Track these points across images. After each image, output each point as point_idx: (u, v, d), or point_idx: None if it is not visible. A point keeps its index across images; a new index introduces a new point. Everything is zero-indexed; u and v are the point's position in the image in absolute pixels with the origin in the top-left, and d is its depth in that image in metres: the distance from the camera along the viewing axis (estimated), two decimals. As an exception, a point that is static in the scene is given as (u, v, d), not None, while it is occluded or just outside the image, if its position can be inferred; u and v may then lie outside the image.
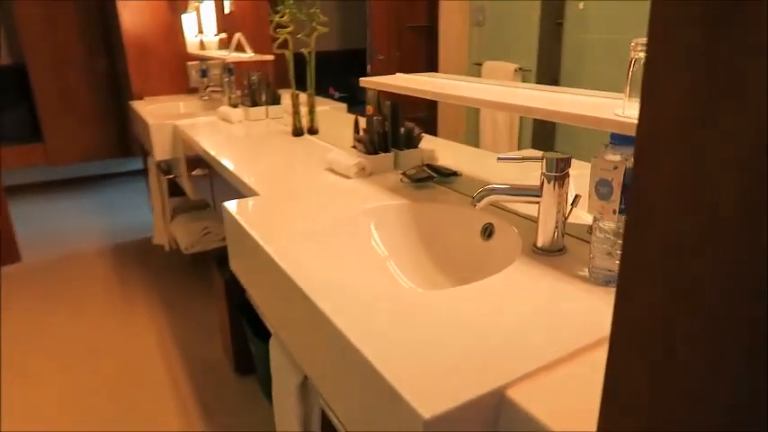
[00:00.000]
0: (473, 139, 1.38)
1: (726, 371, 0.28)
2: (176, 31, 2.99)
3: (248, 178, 1.32)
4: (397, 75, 1.28)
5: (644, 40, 0.66)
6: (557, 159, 0.79)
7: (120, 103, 4.24)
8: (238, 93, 2.43)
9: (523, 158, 0.83)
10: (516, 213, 1.00)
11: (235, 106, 2.25)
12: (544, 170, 0.80)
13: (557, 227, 0.82)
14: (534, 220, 0.95)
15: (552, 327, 0.63)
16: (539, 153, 0.81)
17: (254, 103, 2.19)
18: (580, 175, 0.82)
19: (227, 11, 2.76)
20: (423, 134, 1.36)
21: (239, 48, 2.41)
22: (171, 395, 1.91)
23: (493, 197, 0.84)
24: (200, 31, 2.98)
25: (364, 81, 1.24)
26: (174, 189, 2.59)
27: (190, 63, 2.99)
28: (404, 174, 1.21)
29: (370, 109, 1.36)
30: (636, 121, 0.63)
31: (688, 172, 0.28)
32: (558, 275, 0.76)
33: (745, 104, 0.25)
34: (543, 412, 0.51)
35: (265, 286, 0.96)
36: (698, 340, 0.29)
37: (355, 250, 1.00)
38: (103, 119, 4.24)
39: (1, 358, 2.14)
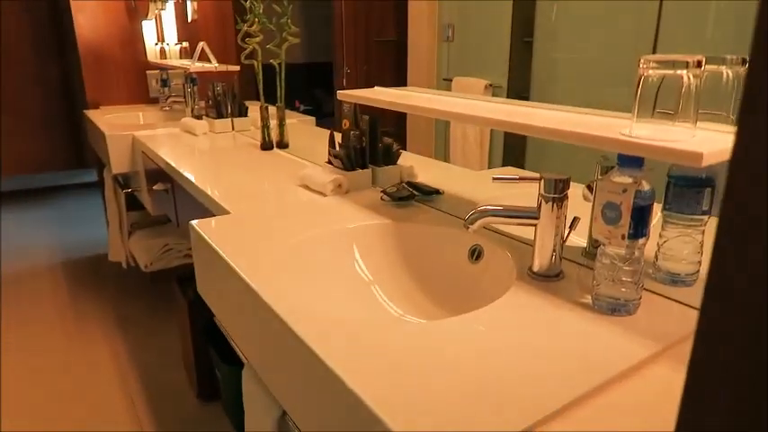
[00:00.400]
0: (442, 154, 1.35)
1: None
2: (135, 39, 2.87)
3: (217, 194, 1.25)
4: (376, 88, 1.23)
5: (655, 56, 0.63)
6: (555, 180, 0.75)
7: (74, 113, 4.05)
8: (202, 104, 2.34)
9: (520, 179, 0.79)
10: (505, 234, 0.95)
11: (199, 117, 2.16)
12: (542, 191, 0.76)
13: (554, 250, 0.78)
14: (525, 242, 0.91)
15: (564, 361, 0.59)
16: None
17: (220, 115, 2.10)
18: None
19: (189, 19, 2.66)
20: (401, 150, 1.31)
21: (203, 57, 2.32)
22: (129, 422, 1.79)
23: (487, 219, 0.79)
24: (161, 39, 2.87)
25: (342, 94, 1.18)
26: (132, 203, 2.47)
27: (150, 72, 2.88)
28: (384, 191, 1.16)
29: (346, 123, 1.30)
30: (645, 142, 0.59)
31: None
32: (559, 303, 0.72)
33: None
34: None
35: (239, 314, 0.89)
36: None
37: (338, 274, 0.94)
38: (56, 129, 4.05)
39: (-62, 387, 1.97)
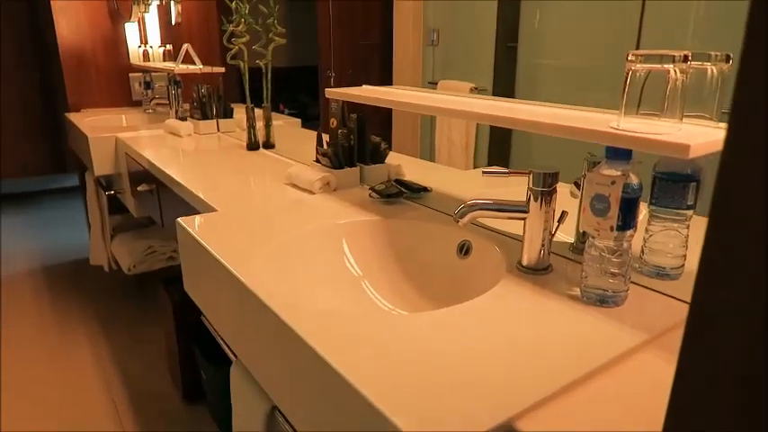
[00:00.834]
0: (427, 155, 1.37)
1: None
2: (118, 41, 2.84)
3: (203, 193, 1.24)
4: (364, 87, 1.24)
5: (640, 51, 0.65)
6: (544, 174, 0.76)
7: (55, 117, 4.00)
8: (186, 106, 2.32)
9: (509, 173, 0.79)
10: (493, 230, 0.96)
11: (183, 119, 2.14)
12: (531, 185, 0.77)
13: (543, 244, 0.79)
14: (513, 237, 0.92)
15: (554, 350, 0.59)
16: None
17: (205, 117, 2.09)
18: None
19: (173, 22, 2.65)
20: (389, 149, 1.32)
21: (188, 59, 2.31)
22: (113, 425, 1.76)
23: (476, 213, 0.80)
24: (144, 42, 2.85)
25: (330, 92, 1.18)
26: (114, 207, 2.44)
27: (132, 75, 2.85)
28: (372, 189, 1.16)
29: (333, 122, 1.30)
30: (633, 134, 0.60)
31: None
32: (548, 295, 0.73)
33: None
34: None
35: (228, 310, 0.88)
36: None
37: (328, 270, 0.94)
38: (36, 133, 3.98)
39: None
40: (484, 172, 0.81)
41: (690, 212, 0.75)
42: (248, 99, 1.73)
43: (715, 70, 0.70)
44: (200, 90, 2.09)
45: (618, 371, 0.57)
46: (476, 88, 1.21)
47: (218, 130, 2.11)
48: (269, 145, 1.77)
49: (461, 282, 0.91)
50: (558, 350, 0.59)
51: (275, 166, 1.55)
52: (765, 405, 0.26)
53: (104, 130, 2.14)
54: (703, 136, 0.62)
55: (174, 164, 1.56)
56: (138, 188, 1.73)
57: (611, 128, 0.66)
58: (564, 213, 0.79)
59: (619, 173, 0.64)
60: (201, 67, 2.27)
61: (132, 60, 2.84)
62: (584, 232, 0.86)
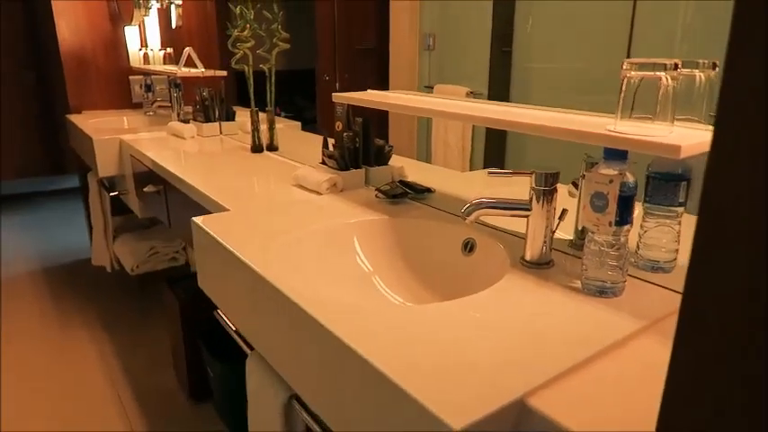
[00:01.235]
0: (423, 157, 1.41)
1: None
2: (118, 44, 2.88)
3: (215, 194, 1.28)
4: (369, 91, 1.29)
5: (634, 60, 0.70)
6: (546, 174, 0.81)
7: (51, 119, 4.02)
8: (187, 108, 2.36)
9: (513, 173, 0.85)
10: (496, 228, 1.01)
11: (185, 122, 2.18)
12: (533, 185, 0.82)
13: (545, 240, 0.84)
14: (515, 235, 0.97)
15: (559, 336, 0.64)
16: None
17: (208, 119, 2.13)
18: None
19: (173, 25, 2.69)
20: (392, 151, 1.36)
21: (189, 63, 2.35)
22: (120, 424, 1.79)
23: (482, 210, 0.85)
24: (145, 45, 2.89)
25: (337, 96, 1.23)
26: (114, 208, 2.47)
27: (133, 77, 2.89)
28: (378, 189, 1.21)
29: (339, 125, 1.35)
30: (629, 136, 0.66)
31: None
32: (552, 287, 0.78)
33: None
34: (567, 418, 0.51)
35: (245, 303, 0.93)
36: None
37: (341, 265, 0.99)
38: (34, 134, 4.00)
39: None
40: (490, 172, 0.86)
41: (681, 209, 0.80)
42: (252, 102, 1.77)
43: (703, 76, 0.76)
44: (203, 93, 2.13)
45: (619, 354, 0.62)
46: (472, 92, 1.26)
47: (221, 132, 2.15)
48: (272, 147, 1.82)
49: (467, 277, 0.96)
50: (562, 336, 0.64)
51: (280, 167, 1.59)
52: (756, 380, 0.31)
53: (108, 132, 2.18)
54: (693, 137, 0.67)
55: (181, 165, 1.60)
56: (145, 189, 1.77)
57: (609, 130, 0.71)
58: (564, 211, 0.84)
59: (616, 172, 0.70)
60: (204, 70, 2.31)
61: (132, 63, 2.88)
62: (582, 229, 0.91)
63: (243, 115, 2.15)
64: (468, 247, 1.00)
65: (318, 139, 1.40)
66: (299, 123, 2.09)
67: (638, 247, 0.84)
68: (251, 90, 1.77)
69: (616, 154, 0.70)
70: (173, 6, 2.63)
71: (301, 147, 1.80)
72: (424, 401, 0.52)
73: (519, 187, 0.89)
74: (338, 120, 1.36)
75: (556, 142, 0.82)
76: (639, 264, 0.84)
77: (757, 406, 0.31)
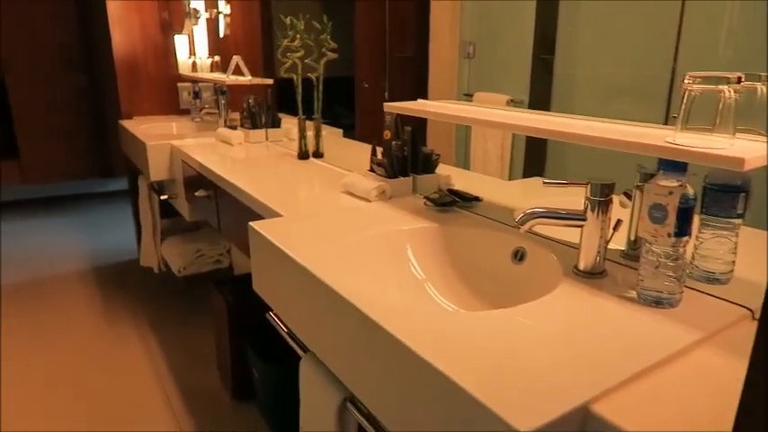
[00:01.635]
0: (462, 164, 1.43)
1: None
2: (167, 52, 2.98)
3: (267, 199, 1.32)
4: (419, 101, 1.31)
5: (697, 74, 0.71)
6: (601, 185, 0.82)
7: (100, 123, 4.17)
8: (233, 115, 2.43)
9: (568, 183, 0.86)
10: (545, 237, 1.02)
11: (232, 128, 2.25)
12: (589, 195, 0.83)
13: (599, 251, 0.85)
14: (565, 244, 0.98)
15: (618, 345, 0.65)
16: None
17: (255, 126, 2.19)
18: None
19: (221, 34, 2.77)
20: (439, 159, 1.38)
21: (236, 70, 2.42)
22: (167, 421, 1.85)
23: (536, 220, 0.86)
24: (193, 53, 2.98)
25: (388, 106, 1.26)
26: (162, 210, 2.56)
27: (181, 84, 2.98)
28: (427, 198, 1.23)
29: (387, 134, 1.38)
30: (691, 149, 0.66)
31: None
32: (606, 296, 0.79)
33: None
34: (631, 425, 0.52)
35: (302, 306, 0.96)
36: None
37: (395, 272, 1.01)
38: (83, 138, 4.16)
39: (-18, 384, 2.05)
40: (545, 182, 0.87)
41: (739, 221, 0.80)
42: (300, 110, 1.82)
43: (764, 89, 0.76)
44: (250, 100, 2.19)
45: (678, 364, 0.63)
46: (512, 100, 1.27)
47: (267, 139, 2.21)
48: (318, 154, 1.86)
49: (517, 286, 0.97)
50: (621, 345, 0.65)
51: (328, 174, 1.63)
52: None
53: (159, 138, 2.26)
54: (756, 150, 0.67)
55: (232, 171, 1.65)
56: (196, 193, 1.83)
57: (668, 142, 0.72)
58: (619, 221, 0.85)
59: (676, 184, 0.70)
60: (251, 78, 2.37)
61: (181, 70, 2.98)
62: (635, 239, 0.92)
63: (287, 122, 2.21)
64: (519, 255, 1.01)
65: (361, 146, 1.44)
66: (340, 131, 2.13)
67: (693, 257, 0.84)
68: (299, 98, 1.81)
69: (675, 166, 0.71)
70: (221, 16, 2.71)
71: (345, 153, 1.84)
72: (490, 404, 0.54)
73: (565, 197, 0.90)
74: (387, 128, 1.39)
75: (597, 151, 0.82)
76: (695, 274, 0.84)
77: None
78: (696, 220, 0.83)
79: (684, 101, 0.71)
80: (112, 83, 2.93)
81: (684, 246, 0.74)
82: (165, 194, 2.34)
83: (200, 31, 2.96)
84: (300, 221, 1.14)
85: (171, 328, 2.45)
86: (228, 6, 2.68)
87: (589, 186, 0.83)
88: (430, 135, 1.49)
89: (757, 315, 0.74)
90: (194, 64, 2.94)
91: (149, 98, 2.99)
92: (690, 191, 0.71)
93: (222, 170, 1.66)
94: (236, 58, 2.38)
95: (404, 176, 1.36)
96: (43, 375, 2.12)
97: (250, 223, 1.12)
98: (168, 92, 3.03)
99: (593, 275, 0.85)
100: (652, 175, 0.80)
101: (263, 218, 1.31)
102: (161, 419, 1.86)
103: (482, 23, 1.38)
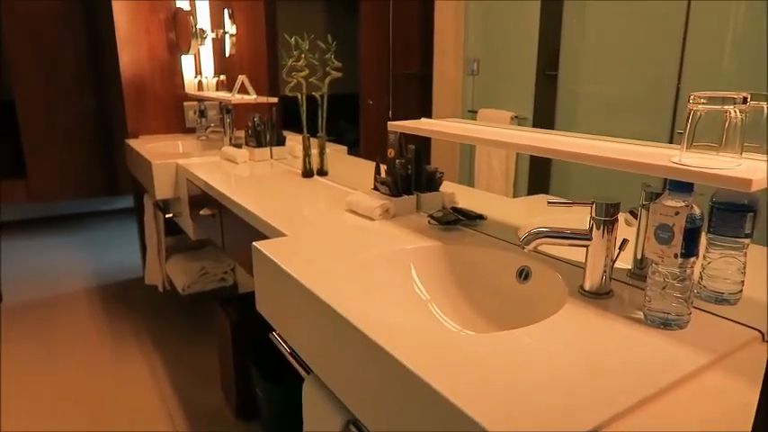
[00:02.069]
0: (466, 181, 1.42)
1: None
2: (174, 72, 3.01)
3: (270, 219, 1.32)
4: (423, 120, 1.31)
5: (702, 93, 0.70)
6: (606, 204, 0.81)
7: (108, 141, 4.20)
8: (238, 133, 2.45)
9: (572, 203, 0.85)
10: (550, 256, 1.01)
11: (237, 146, 2.26)
12: (593, 214, 0.82)
13: (605, 270, 0.84)
14: (571, 263, 0.97)
15: (627, 369, 0.64)
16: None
17: (259, 144, 2.20)
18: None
19: (227, 54, 2.80)
20: (443, 178, 1.38)
21: (241, 89, 2.43)
22: (169, 442, 1.84)
23: (541, 240, 0.85)
24: (199, 72, 3.01)
25: (392, 125, 1.26)
26: (167, 228, 2.56)
27: (187, 103, 3.00)
28: (431, 216, 1.23)
29: (391, 152, 1.38)
30: (697, 169, 0.65)
31: None
32: (613, 317, 0.77)
33: None
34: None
35: (305, 327, 0.95)
36: None
37: (399, 291, 1.01)
38: (90, 157, 4.19)
39: (-14, 404, 2.04)
40: (549, 202, 0.87)
41: (747, 241, 0.79)
42: (305, 128, 1.82)
43: (770, 108, 0.75)
44: (255, 119, 2.20)
45: (687, 389, 0.62)
46: (516, 117, 1.27)
47: (272, 157, 2.21)
48: (323, 172, 1.86)
49: (522, 305, 0.96)
50: (630, 368, 0.64)
51: (331, 192, 1.63)
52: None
53: (164, 157, 2.27)
54: (763, 170, 0.67)
55: (236, 190, 1.66)
56: (201, 212, 1.83)
57: (674, 162, 0.71)
58: (625, 241, 0.84)
59: (682, 204, 0.70)
60: (256, 97, 2.39)
61: (187, 89, 3.00)
62: (641, 258, 0.90)
63: (292, 140, 2.21)
64: (524, 275, 1.00)
65: (365, 163, 1.43)
66: (344, 148, 2.13)
67: (701, 277, 0.83)
68: (303, 116, 1.82)
69: (681, 185, 0.70)
70: (227, 36, 2.74)
71: (349, 171, 1.84)
72: (492, 430, 0.53)
73: (571, 214, 0.89)
74: (390, 147, 1.39)
75: (601, 169, 0.82)
76: (703, 294, 0.82)
77: None
78: (703, 238, 0.82)
79: (690, 121, 0.70)
80: (120, 102, 2.96)
81: (692, 266, 0.73)
82: (170, 213, 2.35)
83: (207, 51, 2.99)
84: (303, 241, 1.14)
85: (175, 346, 2.44)
86: (234, 26, 2.71)
87: (594, 206, 0.82)
88: (434, 152, 1.49)
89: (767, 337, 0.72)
90: (200, 83, 2.97)
91: (156, 117, 3.01)
92: (696, 211, 0.70)
93: (226, 189, 1.66)
94: (241, 78, 2.40)
95: (408, 195, 1.35)
96: (47, 392, 2.11)
97: (254, 243, 1.11)
98: (175, 111, 3.05)
99: (599, 296, 0.84)
100: (657, 194, 0.79)
101: (266, 237, 1.31)
102: (164, 440, 1.84)
103: (486, 40, 1.39)
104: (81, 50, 4.00)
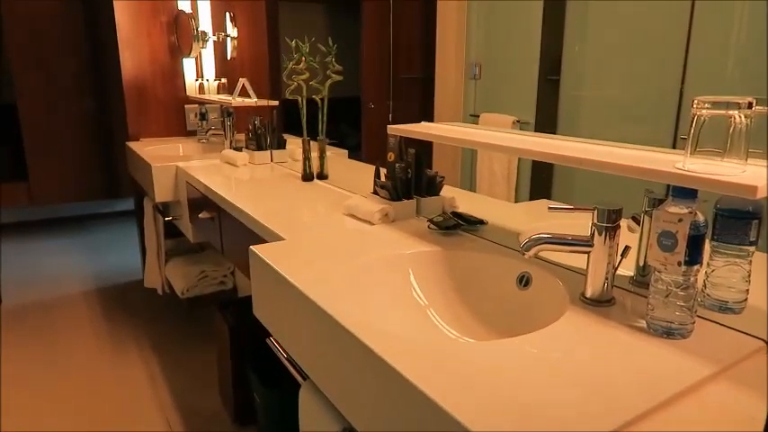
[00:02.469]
0: (467, 185, 1.41)
1: None
2: (175, 75, 3.00)
3: (269, 222, 1.31)
4: (423, 123, 1.30)
5: (706, 98, 0.69)
6: (608, 210, 0.80)
7: (108, 144, 4.20)
8: (239, 136, 2.44)
9: (574, 209, 0.84)
10: (549, 262, 1.00)
11: (238, 149, 2.25)
12: (595, 221, 0.81)
13: (607, 277, 0.82)
14: (572, 270, 0.95)
15: (630, 379, 0.63)
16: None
17: (260, 147, 2.19)
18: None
19: (228, 57, 2.79)
20: (444, 182, 1.37)
21: (242, 92, 2.43)
22: (166, 447, 1.82)
23: (541, 246, 0.84)
24: (200, 76, 3.00)
25: (392, 128, 1.25)
26: (167, 231, 2.55)
27: (188, 106, 3.00)
28: (431, 221, 1.21)
29: (391, 156, 1.37)
30: (702, 176, 0.64)
31: None
32: (615, 326, 0.76)
33: None
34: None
35: (302, 333, 0.94)
36: None
37: (397, 297, 0.99)
38: (90, 160, 4.19)
39: (-18, 407, 2.03)
40: (550, 208, 0.86)
41: (752, 248, 0.78)
42: (304, 132, 1.81)
43: (776, 113, 0.74)
44: (255, 122, 2.19)
45: (691, 400, 0.60)
46: (518, 121, 1.26)
47: (272, 160, 2.20)
48: (323, 176, 1.85)
49: (522, 312, 0.95)
50: (633, 379, 0.63)
51: (331, 196, 1.62)
52: None
53: (164, 159, 2.26)
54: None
55: (236, 193, 1.65)
56: (200, 215, 1.82)
57: (678, 169, 0.70)
58: (627, 248, 0.82)
59: (686, 211, 0.68)
60: (257, 100, 2.38)
61: (189, 92, 2.99)
62: (644, 265, 0.89)
63: (292, 143, 2.20)
64: (524, 281, 0.99)
65: (366, 167, 1.42)
66: (345, 151, 2.12)
67: (704, 285, 0.81)
68: (303, 120, 1.81)
69: (685, 192, 0.69)
70: (228, 39, 2.73)
71: (350, 175, 1.82)
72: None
73: (573, 220, 0.88)
74: (390, 150, 1.37)
75: (604, 174, 0.80)
76: (706, 303, 0.81)
77: None
78: (707, 246, 0.80)
79: (693, 126, 0.69)
80: (120, 105, 2.95)
81: (696, 274, 0.71)
82: (169, 215, 2.34)
83: (208, 54, 2.98)
84: (302, 245, 1.12)
85: (173, 350, 2.43)
86: (236, 29, 2.71)
87: (596, 212, 0.81)
88: (435, 156, 1.47)
89: (773, 347, 0.71)
90: (201, 86, 2.96)
91: (157, 120, 3.00)
92: (700, 218, 0.69)
93: (226, 192, 1.65)
94: (242, 81, 2.39)
95: (408, 199, 1.34)
96: (45, 395, 2.09)
97: (251, 247, 1.10)
98: (176, 113, 3.04)
99: (600, 303, 0.83)
100: (660, 200, 0.78)
101: (265, 240, 1.29)
102: (161, 445, 1.83)
103: (488, 44, 1.38)
104: (81, 51, 4.00)
